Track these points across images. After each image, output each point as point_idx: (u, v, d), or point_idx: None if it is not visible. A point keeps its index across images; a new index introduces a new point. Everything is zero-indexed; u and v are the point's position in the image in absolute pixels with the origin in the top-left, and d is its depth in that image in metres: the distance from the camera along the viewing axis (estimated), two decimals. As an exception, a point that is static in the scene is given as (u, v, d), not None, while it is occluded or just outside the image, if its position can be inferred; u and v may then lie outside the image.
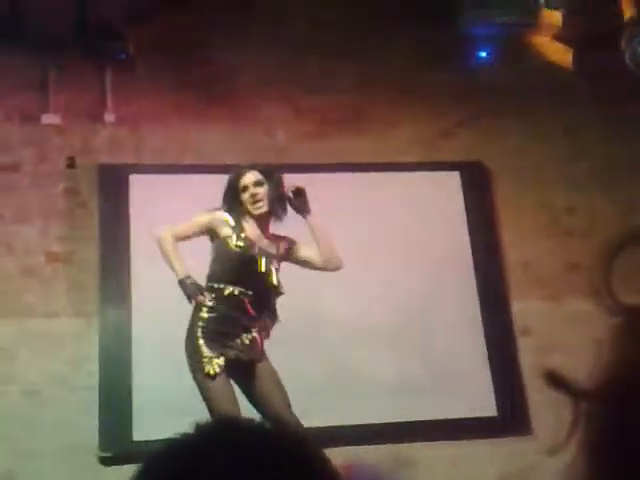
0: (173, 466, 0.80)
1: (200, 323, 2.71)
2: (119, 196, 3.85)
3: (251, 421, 0.88)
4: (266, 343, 2.91)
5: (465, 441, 3.62)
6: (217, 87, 4.18)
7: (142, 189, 3.90)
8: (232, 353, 2.69)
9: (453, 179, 4.15)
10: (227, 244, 2.79)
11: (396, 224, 4.06)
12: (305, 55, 4.22)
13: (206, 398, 2.67)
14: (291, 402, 3.32)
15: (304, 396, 3.56)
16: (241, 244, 2.77)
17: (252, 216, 2.84)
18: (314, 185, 4.08)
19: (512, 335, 3.91)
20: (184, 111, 4.14)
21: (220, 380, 2.66)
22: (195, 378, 2.71)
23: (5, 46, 4.06)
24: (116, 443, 3.38)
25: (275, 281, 2.82)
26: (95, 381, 3.49)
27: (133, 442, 3.39)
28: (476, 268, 3.99)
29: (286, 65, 4.20)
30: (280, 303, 3.68)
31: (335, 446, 3.46)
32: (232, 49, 4.19)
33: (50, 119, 4.04)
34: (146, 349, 3.55)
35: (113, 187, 3.88)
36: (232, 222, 2.81)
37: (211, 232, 2.86)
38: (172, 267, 2.83)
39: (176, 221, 3.83)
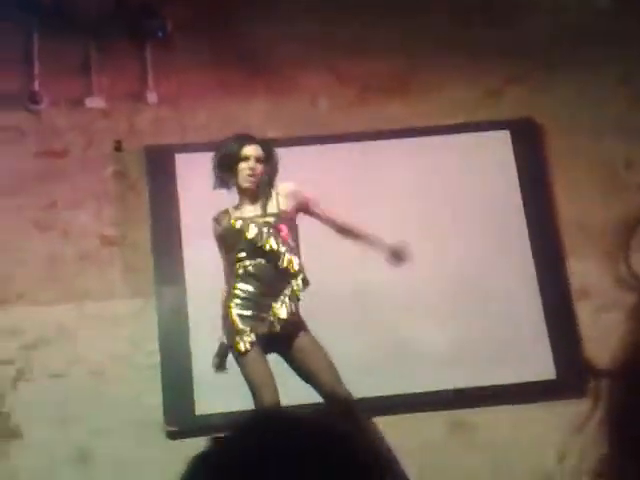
0: (227, 461, 0.81)
1: (234, 300, 2.79)
2: (166, 176, 3.94)
3: (293, 413, 0.89)
4: (315, 315, 3.00)
5: (524, 405, 3.66)
6: (258, 59, 4.19)
7: (188, 168, 3.98)
8: (264, 327, 2.75)
9: (503, 138, 4.09)
10: (231, 227, 2.87)
11: (445, 188, 4.05)
12: (344, 22, 4.18)
13: (243, 374, 2.76)
14: (345, 372, 3.41)
15: (358, 365, 3.65)
16: (240, 223, 2.84)
17: (238, 187, 2.88)
18: (359, 153, 4.13)
19: (569, 296, 3.89)
20: (226, 86, 4.18)
21: (252, 355, 2.72)
22: (232, 354, 2.80)
23: (47, 31, 4.16)
24: (180, 418, 3.56)
25: (275, 246, 2.82)
26: (156, 359, 3.65)
27: (196, 416, 3.56)
28: (530, 229, 3.96)
29: (326, 33, 4.17)
30: (330, 273, 3.76)
31: (392, 414, 3.57)
32: (271, 20, 4.18)
33: (94, 102, 4.14)
34: (203, 326, 3.68)
35: (160, 168, 3.98)
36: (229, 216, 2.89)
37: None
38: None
39: (220, 196, 3.96)
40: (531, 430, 3.54)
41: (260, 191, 2.88)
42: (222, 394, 3.53)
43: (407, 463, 3.52)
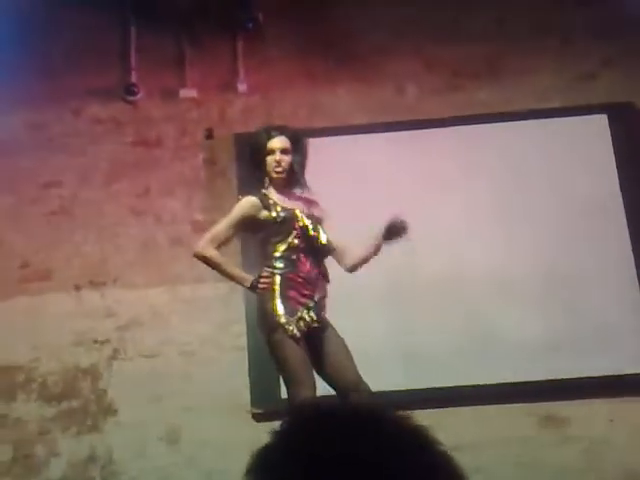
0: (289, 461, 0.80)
1: (276, 287, 2.77)
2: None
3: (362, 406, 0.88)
4: (404, 299, 2.98)
5: (621, 398, 3.54)
6: (345, 47, 4.24)
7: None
8: (308, 316, 2.74)
9: (600, 122, 3.97)
10: (270, 220, 2.82)
11: (540, 173, 3.97)
12: (433, 6, 4.17)
13: (281, 360, 2.73)
14: (438, 359, 3.40)
15: (448, 354, 3.64)
16: (283, 214, 2.81)
17: (271, 179, 2.88)
18: (449, 140, 4.10)
19: (669, 285, 3.73)
20: (313, 74, 4.25)
21: (300, 346, 2.70)
22: (273, 340, 2.73)
23: (143, 26, 4.38)
24: (265, 400, 3.65)
25: (324, 240, 2.83)
26: (243, 342, 3.77)
27: (281, 399, 3.64)
28: (628, 216, 3.82)
29: (414, 19, 4.17)
30: (420, 260, 3.77)
31: (482, 404, 3.54)
32: (358, 8, 4.23)
33: (187, 93, 4.31)
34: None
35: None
36: (262, 202, 2.84)
37: (250, 221, 2.86)
38: (232, 277, 2.90)
39: (310, 184, 4.03)
40: (628, 425, 3.42)
41: (291, 182, 2.89)
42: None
43: (496, 455, 3.50)
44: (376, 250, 2.92)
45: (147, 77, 4.30)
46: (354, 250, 2.95)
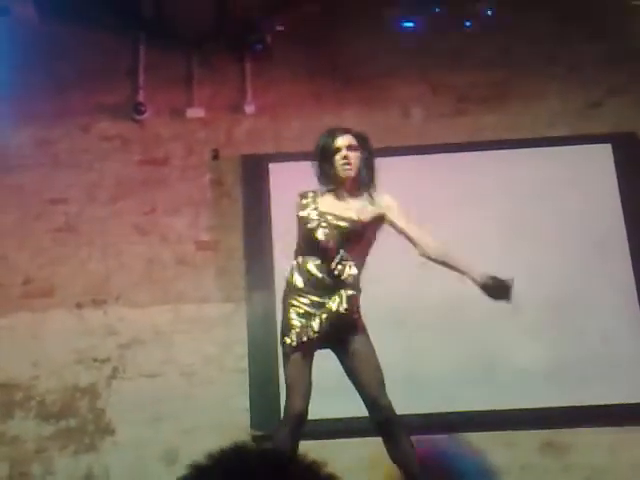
0: None
1: (293, 294, 2.80)
2: (260, 185, 4.09)
3: (262, 451, 0.89)
4: (406, 325, 2.98)
5: (625, 427, 3.55)
6: (352, 71, 4.30)
7: (281, 177, 4.11)
8: (315, 325, 2.72)
9: (604, 152, 4.01)
10: (303, 222, 2.84)
11: (543, 201, 4.00)
12: (440, 32, 4.24)
13: (284, 372, 2.78)
14: (439, 385, 3.39)
15: (452, 379, 3.65)
16: (313, 217, 2.80)
17: (340, 179, 2.83)
18: (455, 165, 4.14)
19: (674, 317, 3.75)
20: (320, 97, 4.31)
21: (296, 357, 2.71)
22: (282, 350, 2.78)
23: (152, 45, 4.45)
24: (266, 423, 3.64)
25: (320, 236, 2.74)
26: (245, 363, 3.77)
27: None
28: (631, 245, 3.85)
29: (421, 44, 4.24)
30: (424, 285, 3.78)
31: (486, 430, 3.54)
32: (365, 31, 4.30)
33: (195, 113, 4.36)
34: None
35: (254, 176, 4.13)
36: (310, 200, 2.84)
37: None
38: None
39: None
40: (631, 454, 3.42)
41: (360, 180, 2.84)
42: (311, 401, 3.61)
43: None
44: (464, 274, 2.86)
45: (155, 96, 4.36)
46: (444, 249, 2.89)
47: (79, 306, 3.96)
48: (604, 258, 3.84)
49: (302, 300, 2.78)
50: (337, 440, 3.56)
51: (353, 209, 2.82)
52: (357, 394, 2.85)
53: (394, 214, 2.86)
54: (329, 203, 2.86)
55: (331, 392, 3.36)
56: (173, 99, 4.37)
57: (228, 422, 3.65)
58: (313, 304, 2.77)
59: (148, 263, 4.06)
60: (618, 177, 3.96)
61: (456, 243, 3.90)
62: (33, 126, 4.24)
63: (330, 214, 2.81)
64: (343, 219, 2.80)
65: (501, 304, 3.76)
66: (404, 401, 3.60)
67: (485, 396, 3.59)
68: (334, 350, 2.83)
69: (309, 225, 2.81)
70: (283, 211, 4.04)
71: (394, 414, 2.74)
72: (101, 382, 3.82)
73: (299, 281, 2.81)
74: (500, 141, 4.12)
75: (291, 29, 4.34)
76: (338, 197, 2.87)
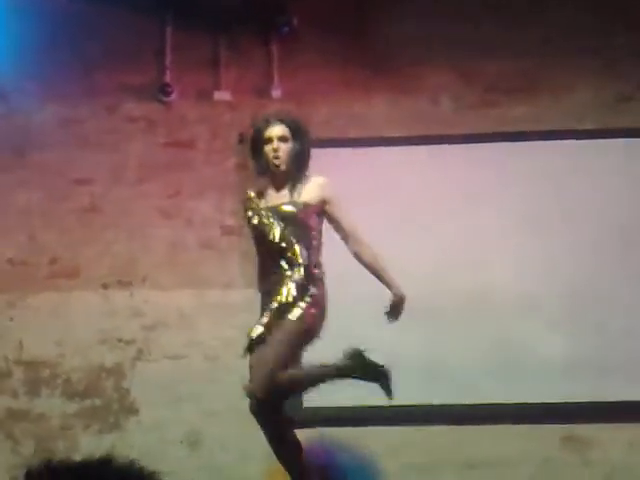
0: None
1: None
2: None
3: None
4: (426, 319, 3.00)
5: (641, 424, 3.66)
6: (382, 58, 4.35)
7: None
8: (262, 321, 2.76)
9: (635, 147, 4.06)
10: (249, 221, 2.86)
11: (570, 195, 4.07)
12: (474, 20, 4.27)
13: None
14: (459, 377, 3.47)
15: (469, 372, 3.76)
16: (256, 221, 2.81)
17: (272, 170, 2.83)
18: (484, 154, 4.20)
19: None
20: (349, 83, 4.36)
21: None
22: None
23: (180, 26, 4.50)
24: (287, 409, 3.76)
25: (277, 238, 2.75)
26: (267, 349, 3.88)
27: (303, 408, 3.77)
28: (658, 240, 3.93)
29: (453, 32, 4.28)
30: (450, 275, 3.86)
31: (507, 423, 3.65)
32: (397, 18, 4.34)
33: (221, 96, 4.43)
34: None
35: (281, 162, 4.21)
36: (252, 199, 2.85)
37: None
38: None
39: (342, 194, 4.14)
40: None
41: (290, 172, 2.83)
42: (330, 388, 3.72)
43: (520, 474, 3.60)
44: (385, 285, 2.91)
45: (182, 78, 4.43)
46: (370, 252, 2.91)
47: (105, 287, 4.08)
48: (626, 253, 3.92)
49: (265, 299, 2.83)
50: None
51: (290, 196, 2.83)
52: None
53: (333, 205, 2.88)
54: (268, 196, 2.86)
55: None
56: (200, 81, 4.44)
57: (248, 407, 3.76)
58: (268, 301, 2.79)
59: (172, 246, 4.16)
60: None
61: (484, 232, 4.01)
62: (59, 105, 4.33)
63: (271, 206, 2.82)
64: (286, 205, 2.80)
65: (523, 295, 3.86)
66: (424, 391, 3.72)
67: (504, 389, 3.70)
68: None
69: (254, 222, 2.82)
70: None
71: (258, 405, 2.74)
72: (126, 363, 3.96)
73: (264, 280, 2.84)
74: (528, 133, 4.17)
75: (320, 13, 4.38)
76: (275, 188, 2.87)
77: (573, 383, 3.69)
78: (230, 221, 4.20)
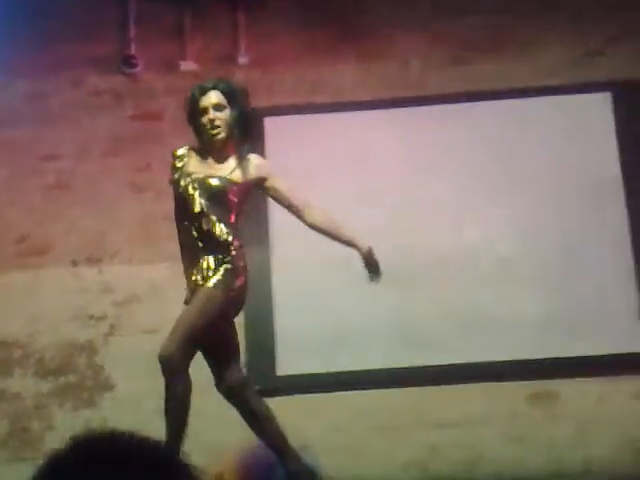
0: None
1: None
2: (254, 139, 4.11)
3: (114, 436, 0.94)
4: (397, 279, 3.03)
5: (613, 377, 3.68)
6: (349, 22, 4.31)
7: (277, 131, 4.17)
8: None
9: (603, 101, 4.03)
10: (175, 184, 2.80)
11: (541, 151, 4.06)
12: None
13: None
14: (429, 338, 3.49)
15: (438, 332, 3.76)
16: (181, 186, 2.76)
17: (211, 139, 2.75)
18: (454, 115, 4.17)
19: (667, 268, 3.83)
20: (316, 49, 4.32)
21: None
22: None
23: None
24: (262, 377, 3.78)
25: (197, 209, 2.70)
26: (239, 320, 3.87)
27: (277, 377, 3.78)
28: (627, 195, 3.91)
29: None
30: (419, 238, 3.85)
31: (475, 382, 3.66)
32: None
33: (188, 66, 4.39)
34: (286, 288, 3.89)
35: (249, 131, 4.18)
36: (182, 160, 2.79)
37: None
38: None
39: (311, 162, 4.11)
40: (618, 403, 3.54)
41: (231, 139, 2.76)
42: (303, 356, 3.74)
43: (488, 432, 3.63)
44: (349, 245, 2.84)
45: (147, 49, 4.39)
46: (328, 216, 2.85)
47: (74, 264, 4.06)
48: (599, 210, 3.93)
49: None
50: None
51: (226, 169, 2.76)
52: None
53: (275, 180, 2.80)
54: (202, 163, 2.79)
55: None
56: (165, 52, 4.39)
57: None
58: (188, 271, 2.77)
59: (143, 220, 4.13)
60: (617, 126, 3.99)
61: (453, 193, 3.99)
62: (22, 81, 4.29)
63: (201, 174, 2.75)
64: (214, 179, 2.73)
65: (493, 256, 3.85)
66: (397, 353, 3.73)
67: (472, 348, 3.70)
68: None
69: (180, 187, 2.77)
70: (278, 164, 4.08)
71: (173, 367, 2.74)
72: (99, 339, 3.95)
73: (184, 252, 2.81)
74: (498, 91, 4.14)
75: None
76: (212, 157, 2.80)
77: (542, 340, 3.72)
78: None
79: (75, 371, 3.91)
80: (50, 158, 4.22)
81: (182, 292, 4.08)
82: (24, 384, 3.90)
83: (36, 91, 4.30)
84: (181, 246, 2.86)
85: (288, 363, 3.74)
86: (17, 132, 4.23)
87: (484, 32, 4.23)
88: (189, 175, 2.77)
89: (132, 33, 4.41)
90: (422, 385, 3.66)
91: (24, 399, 3.88)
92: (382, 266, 2.84)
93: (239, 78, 4.37)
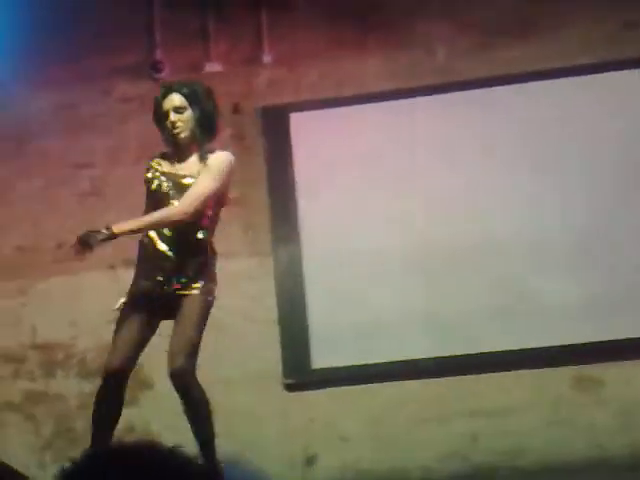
0: None
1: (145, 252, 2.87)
2: (281, 136, 4.19)
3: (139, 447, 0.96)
4: (437, 267, 2.99)
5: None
6: (372, 14, 4.32)
7: (303, 127, 4.21)
8: (145, 284, 2.80)
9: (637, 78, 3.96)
10: (147, 183, 2.88)
11: (574, 134, 4.00)
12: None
13: None
14: (472, 325, 3.47)
15: (481, 320, 3.74)
16: (154, 186, 2.83)
17: (174, 140, 2.84)
18: (482, 101, 4.14)
19: None
20: (339, 42, 4.34)
21: (120, 317, 2.81)
22: None
23: (167, 1, 4.52)
24: (297, 371, 3.82)
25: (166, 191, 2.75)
26: (274, 314, 3.94)
27: (312, 370, 3.81)
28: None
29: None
30: (452, 226, 3.84)
31: (516, 369, 3.63)
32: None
33: (213, 67, 4.46)
34: (318, 282, 3.92)
35: (275, 128, 4.24)
36: (154, 163, 2.87)
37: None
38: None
39: (338, 155, 4.14)
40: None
41: (195, 139, 2.82)
42: (338, 348, 3.77)
43: (531, 419, 3.59)
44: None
45: (172, 53, 4.47)
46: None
47: (112, 267, 4.15)
48: (637, 189, 3.82)
49: (143, 263, 2.86)
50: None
51: (193, 168, 2.83)
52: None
53: (206, 170, 2.81)
54: (171, 164, 2.87)
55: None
56: (190, 55, 4.47)
57: (261, 372, 3.84)
58: (153, 265, 2.83)
59: (175, 221, 4.20)
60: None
61: (486, 180, 3.96)
62: (53, 92, 4.41)
63: (172, 174, 2.82)
64: (187, 178, 2.80)
65: (533, 239, 3.80)
66: (432, 343, 3.72)
67: (513, 335, 3.67)
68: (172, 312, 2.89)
69: (153, 186, 2.84)
70: (306, 160, 4.15)
71: (187, 381, 2.85)
72: (137, 339, 4.02)
73: (145, 240, 2.87)
74: (528, 73, 4.09)
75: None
76: (179, 158, 2.88)
77: (584, 324, 3.66)
78: (230, 192, 4.22)
79: (115, 372, 4.00)
80: (83, 166, 4.34)
81: (217, 293, 4.17)
82: (67, 385, 4.01)
83: (66, 101, 4.42)
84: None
85: (323, 356, 3.77)
86: (50, 142, 4.36)
87: (510, 15, 4.20)
88: (163, 174, 2.84)
89: (158, 39, 4.51)
90: (461, 374, 3.64)
91: (67, 400, 3.99)
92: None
93: (264, 77, 4.45)
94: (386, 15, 4.34)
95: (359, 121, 4.20)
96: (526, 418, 3.60)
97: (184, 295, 2.80)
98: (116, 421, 2.80)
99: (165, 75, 4.46)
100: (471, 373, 3.64)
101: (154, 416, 3.91)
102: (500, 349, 3.64)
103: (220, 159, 2.87)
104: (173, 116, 2.81)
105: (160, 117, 2.87)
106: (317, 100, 4.29)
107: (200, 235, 2.81)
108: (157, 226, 2.76)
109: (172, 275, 2.79)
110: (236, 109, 4.37)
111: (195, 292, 2.80)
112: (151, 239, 2.84)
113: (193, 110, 2.83)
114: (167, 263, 2.79)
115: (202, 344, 3.95)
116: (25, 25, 4.39)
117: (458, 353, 3.68)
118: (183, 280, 2.79)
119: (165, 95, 2.86)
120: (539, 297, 3.71)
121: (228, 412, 3.85)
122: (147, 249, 2.84)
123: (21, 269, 4.18)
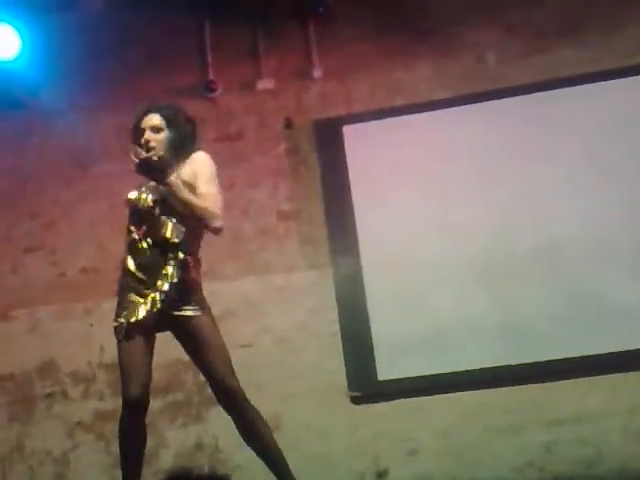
0: None
1: (125, 278, 2.86)
2: (335, 149, 4.24)
3: None
4: (499, 271, 2.96)
5: None
6: (420, 22, 4.36)
7: (356, 138, 4.26)
8: (145, 306, 2.76)
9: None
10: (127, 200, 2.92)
11: (633, 135, 3.95)
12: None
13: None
14: (535, 330, 3.41)
15: (543, 326, 3.71)
16: (133, 197, 2.88)
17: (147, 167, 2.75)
18: (534, 106, 4.12)
19: None
20: (389, 53, 4.39)
21: (124, 344, 2.76)
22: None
23: (218, 21, 4.62)
24: (363, 383, 3.84)
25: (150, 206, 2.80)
26: (336, 327, 3.97)
27: (378, 382, 3.82)
28: None
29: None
30: (516, 231, 3.82)
31: (591, 375, 3.58)
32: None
33: (264, 84, 4.55)
34: (379, 293, 3.95)
35: (328, 141, 4.30)
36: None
37: None
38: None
39: (393, 165, 4.16)
40: None
41: (165, 160, 2.80)
42: (403, 360, 3.78)
43: (609, 427, 3.53)
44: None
45: (224, 72, 4.58)
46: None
47: (173, 285, 4.23)
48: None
49: (133, 282, 2.85)
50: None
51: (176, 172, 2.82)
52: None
53: (200, 177, 2.84)
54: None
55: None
56: (242, 73, 4.57)
57: (325, 385, 3.88)
58: (143, 283, 2.81)
59: (233, 237, 4.29)
60: None
61: (546, 183, 3.93)
62: (111, 115, 4.52)
63: (150, 185, 2.85)
64: (160, 186, 2.79)
65: (594, 240, 3.75)
66: (502, 351, 3.70)
67: (587, 340, 3.63)
68: (175, 333, 2.91)
69: (132, 196, 2.88)
70: (360, 171, 4.18)
71: (242, 396, 2.83)
72: (200, 356, 4.09)
73: (131, 263, 2.89)
74: (580, 75, 4.07)
75: (353, -14, 4.41)
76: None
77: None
78: (286, 206, 4.30)
79: (182, 388, 4.09)
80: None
81: (274, 305, 4.23)
82: (135, 404, 4.09)
83: (124, 124, 4.53)
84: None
85: (388, 367, 3.78)
86: (111, 165, 4.47)
87: (559, 17, 4.18)
88: (143, 186, 2.90)
89: (210, 59, 4.60)
90: (533, 382, 3.61)
91: (136, 418, 4.07)
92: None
93: (315, 91, 4.50)
94: (434, 23, 4.37)
95: (412, 130, 4.22)
96: (602, 425, 3.54)
97: (187, 317, 2.85)
98: (144, 449, 2.78)
99: (218, 94, 4.56)
100: (544, 381, 3.61)
101: (221, 433, 3.97)
102: (573, 355, 3.60)
103: (204, 161, 2.92)
104: (148, 134, 2.86)
105: (136, 134, 2.90)
106: (369, 111, 4.32)
107: (175, 239, 2.84)
108: (195, 211, 2.78)
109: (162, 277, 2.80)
110: (289, 124, 4.44)
111: (198, 313, 2.86)
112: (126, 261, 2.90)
113: (170, 132, 2.89)
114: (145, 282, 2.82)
115: (266, 360, 4.05)
116: (79, 51, 4.54)
117: (528, 361, 3.66)
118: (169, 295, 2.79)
119: (146, 113, 2.92)
120: (612, 300, 3.67)
121: (295, 427, 3.90)
122: (126, 271, 2.92)
123: (87, 290, 4.30)
